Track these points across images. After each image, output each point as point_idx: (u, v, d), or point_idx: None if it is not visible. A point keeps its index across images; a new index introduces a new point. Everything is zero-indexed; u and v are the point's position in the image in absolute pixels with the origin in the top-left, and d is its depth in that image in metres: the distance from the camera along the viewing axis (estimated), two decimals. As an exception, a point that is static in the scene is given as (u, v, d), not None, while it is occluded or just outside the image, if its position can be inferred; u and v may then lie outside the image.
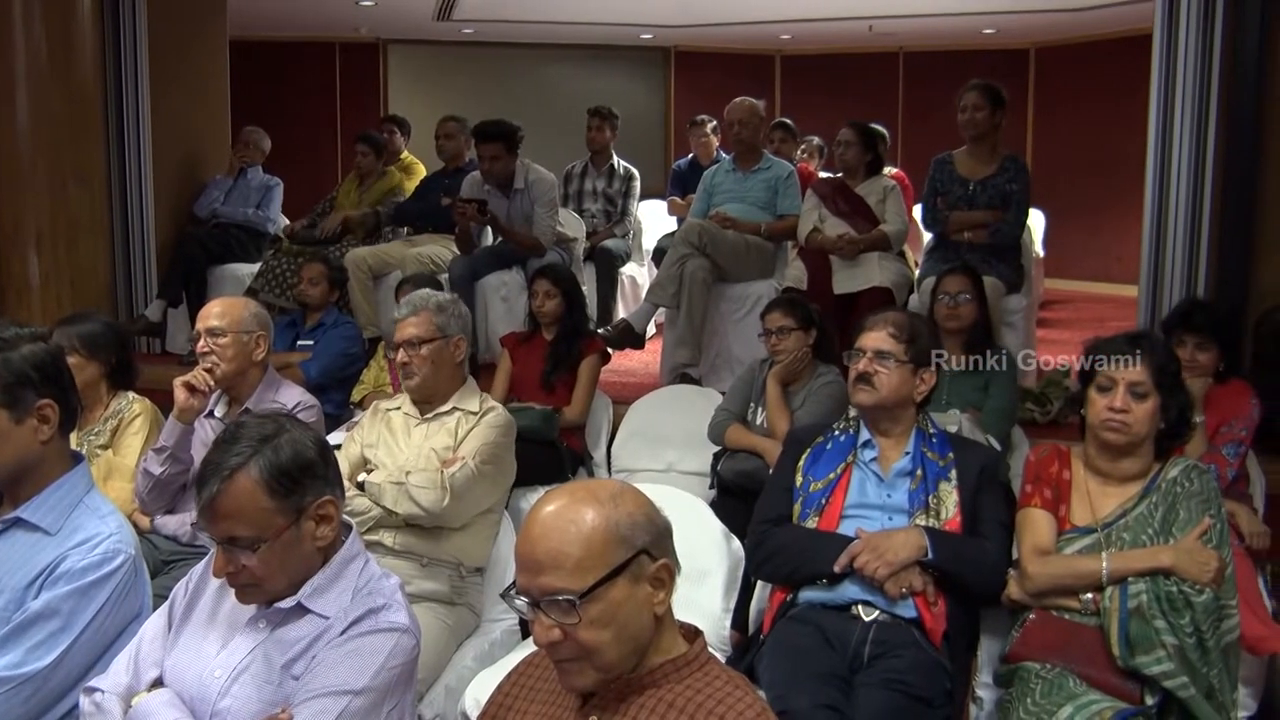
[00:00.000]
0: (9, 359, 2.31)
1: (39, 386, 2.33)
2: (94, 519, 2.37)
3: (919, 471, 2.97)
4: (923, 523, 2.89)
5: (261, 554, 2.03)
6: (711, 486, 4.21)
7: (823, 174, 7.18)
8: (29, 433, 2.33)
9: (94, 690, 2.16)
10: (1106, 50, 10.08)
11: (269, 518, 2.03)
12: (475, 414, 3.49)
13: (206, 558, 2.26)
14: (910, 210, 5.98)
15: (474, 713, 2.85)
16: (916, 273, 5.52)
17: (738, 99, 5.97)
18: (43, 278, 5.87)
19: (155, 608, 2.35)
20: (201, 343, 3.54)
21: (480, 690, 2.90)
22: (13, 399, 2.30)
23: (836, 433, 3.12)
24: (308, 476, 2.09)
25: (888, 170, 6.25)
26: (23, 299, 5.78)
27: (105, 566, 2.30)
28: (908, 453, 3.01)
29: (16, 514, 2.35)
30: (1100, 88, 10.12)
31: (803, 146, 8.06)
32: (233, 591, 2.12)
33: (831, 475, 3.01)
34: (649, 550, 1.73)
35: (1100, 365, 2.87)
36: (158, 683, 2.14)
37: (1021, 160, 5.38)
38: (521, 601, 1.72)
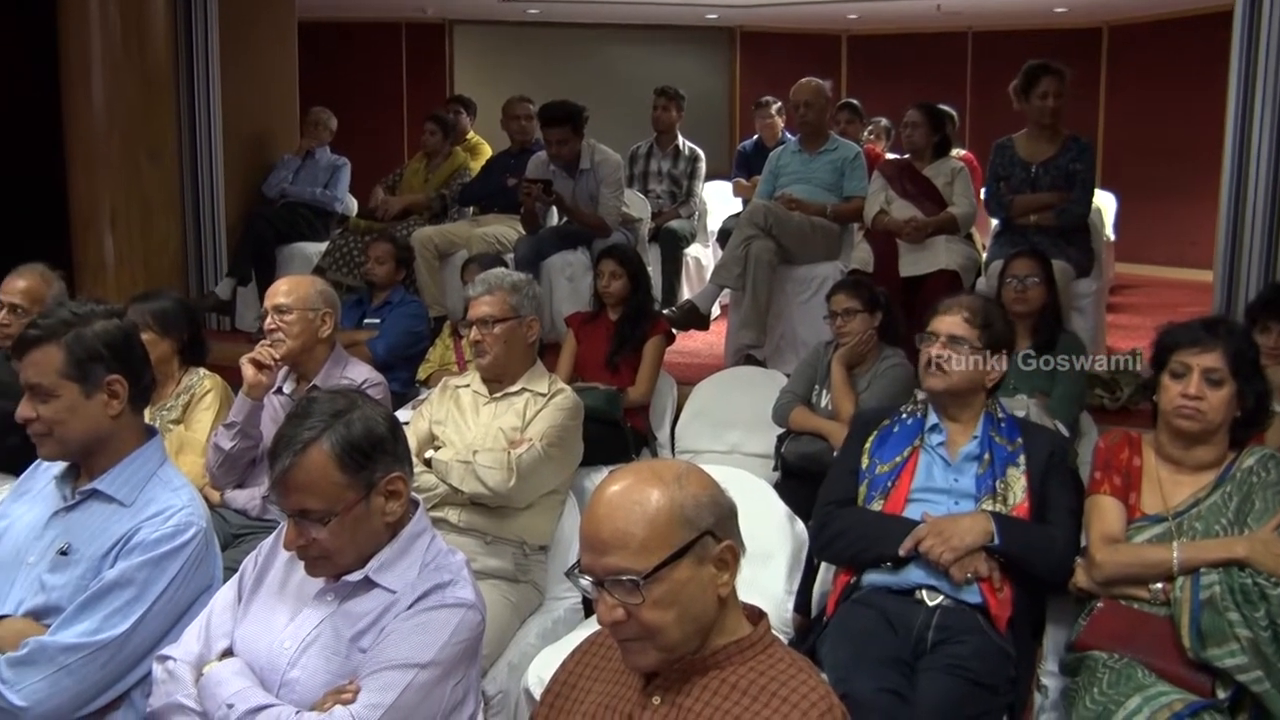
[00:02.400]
0: (81, 335, 2.36)
1: (109, 362, 2.38)
2: (167, 491, 2.42)
3: (987, 456, 2.94)
4: (990, 508, 2.85)
5: (332, 527, 2.06)
6: (775, 469, 4.20)
7: (890, 155, 7.12)
8: (99, 407, 2.38)
9: (166, 658, 2.20)
10: (1183, 28, 9.85)
11: (340, 492, 2.06)
12: (544, 395, 3.50)
13: (276, 531, 2.30)
14: (978, 192, 5.91)
15: (537, 690, 2.87)
16: (984, 256, 5.46)
17: (804, 80, 5.92)
18: (117, 256, 5.97)
19: (225, 580, 2.39)
20: (269, 320, 3.59)
21: (543, 667, 2.92)
22: (83, 374, 2.36)
23: (904, 416, 3.09)
24: (378, 452, 2.11)
25: (956, 152, 6.18)
26: (98, 277, 5.88)
27: (178, 538, 2.35)
28: (976, 437, 2.98)
29: (93, 485, 2.41)
30: (1176, 67, 9.88)
31: (869, 128, 7.99)
32: (301, 565, 2.16)
33: (898, 458, 2.99)
34: (714, 531, 1.73)
35: (1175, 351, 2.81)
36: (228, 652, 2.18)
37: (1084, 139, 5.28)
38: (586, 580, 1.73)
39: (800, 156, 5.84)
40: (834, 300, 4.27)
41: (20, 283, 3.97)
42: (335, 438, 2.07)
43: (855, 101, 7.78)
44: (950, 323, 3.03)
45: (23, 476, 2.60)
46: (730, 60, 11.80)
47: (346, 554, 2.11)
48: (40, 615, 2.34)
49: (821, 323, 4.53)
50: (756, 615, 1.84)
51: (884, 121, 8.13)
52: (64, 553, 2.36)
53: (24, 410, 2.37)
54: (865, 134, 7.78)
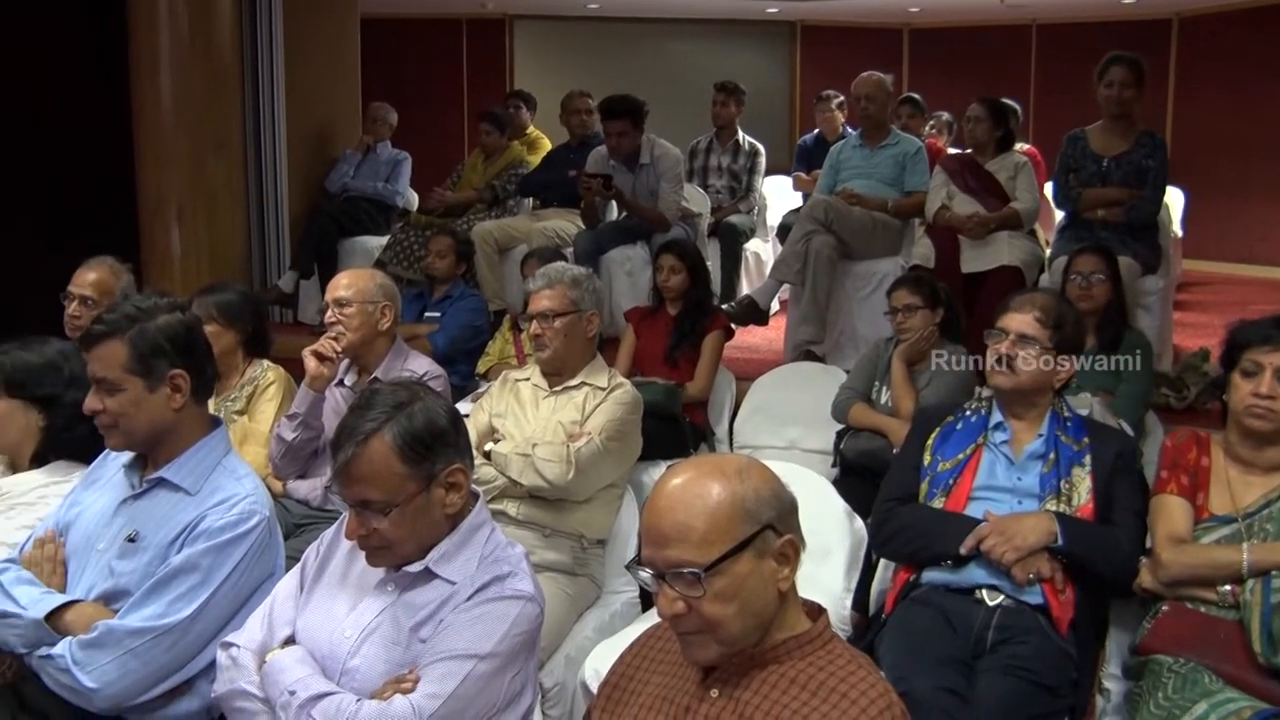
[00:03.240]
0: (145, 330, 2.40)
1: (172, 357, 2.42)
2: (231, 480, 2.46)
3: (1052, 455, 2.90)
4: (1053, 508, 2.82)
5: (393, 518, 2.08)
6: (834, 465, 4.18)
7: (952, 150, 7.05)
8: (162, 400, 2.42)
9: (230, 645, 2.24)
10: (1255, 18, 9.61)
11: (401, 483, 2.08)
12: (603, 389, 3.51)
13: (337, 522, 2.32)
14: (1042, 187, 5.83)
15: (594, 683, 2.88)
16: (1048, 252, 5.39)
17: (865, 73, 5.89)
18: (183, 249, 6.06)
19: (287, 569, 2.42)
20: (330, 313, 3.63)
21: (600, 661, 2.93)
22: (147, 369, 2.40)
23: (967, 413, 3.06)
24: (439, 444, 2.13)
25: (1019, 146, 6.11)
26: (165, 270, 5.97)
27: (241, 526, 2.39)
28: (1041, 435, 2.94)
29: (160, 474, 2.45)
30: (1249, 59, 9.67)
31: (931, 122, 7.92)
32: (362, 555, 2.18)
33: (961, 456, 2.96)
34: (774, 525, 1.73)
35: (1246, 349, 2.76)
36: (290, 640, 2.21)
37: (1159, 135, 5.18)
38: (646, 573, 1.73)
39: (861, 151, 5.80)
40: (895, 296, 4.24)
41: (90, 275, 4.03)
42: (397, 429, 2.09)
43: (917, 96, 7.71)
44: (1021, 321, 2.98)
45: (93, 465, 2.65)
46: (791, 54, 11.74)
47: (407, 545, 2.13)
48: (110, 600, 2.39)
49: (882, 319, 4.50)
50: (816, 611, 1.84)
51: (946, 116, 8.06)
52: (132, 540, 2.41)
53: (91, 402, 2.42)
54: (927, 128, 7.71)
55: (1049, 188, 5.95)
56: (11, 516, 2.74)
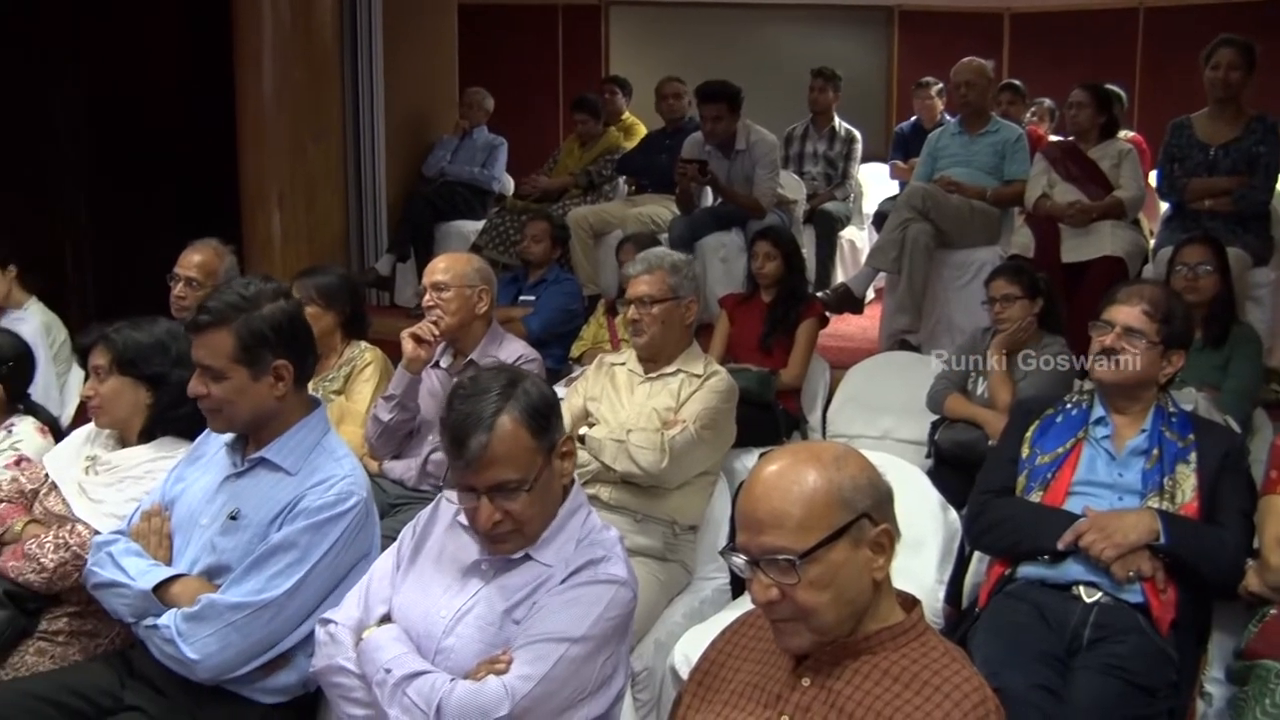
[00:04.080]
0: (250, 320, 2.45)
1: (276, 347, 2.47)
2: (330, 461, 2.51)
3: (1156, 451, 2.82)
4: (1156, 505, 2.75)
5: (529, 496, 2.11)
6: (928, 456, 4.13)
7: (1053, 137, 6.90)
8: (265, 388, 2.48)
9: (328, 622, 2.28)
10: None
11: (532, 457, 2.11)
12: (699, 377, 3.50)
13: (434, 502, 2.36)
14: (1147, 175, 5.68)
15: (683, 668, 2.88)
16: (1152, 242, 5.25)
17: (965, 59, 5.79)
18: (284, 233, 6.17)
19: (383, 549, 2.46)
20: (427, 296, 3.66)
21: (689, 646, 2.93)
22: (252, 358, 2.45)
23: (1068, 405, 2.99)
24: (554, 414, 2.17)
25: (1124, 134, 5.96)
26: (266, 253, 6.09)
27: (340, 506, 2.43)
28: (1145, 431, 2.87)
29: (261, 454, 2.51)
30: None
31: (1032, 109, 7.76)
32: (459, 535, 2.21)
33: (1060, 449, 2.90)
34: (870, 514, 1.72)
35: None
36: (386, 619, 2.24)
37: (1271, 120, 4.97)
38: (740, 559, 1.73)
39: (960, 138, 5.72)
40: (993, 286, 4.16)
41: (196, 257, 4.12)
42: (520, 405, 2.11)
43: (1018, 82, 7.55)
44: (1128, 313, 2.89)
45: (196, 441, 2.73)
46: (888, 40, 11.57)
47: (536, 523, 2.15)
48: (212, 574, 2.46)
49: (979, 308, 4.43)
50: (910, 602, 1.82)
51: (1048, 102, 7.89)
52: (233, 517, 2.47)
53: (195, 386, 2.48)
54: (1028, 115, 7.55)
55: (1154, 176, 5.81)
56: (120, 489, 2.84)
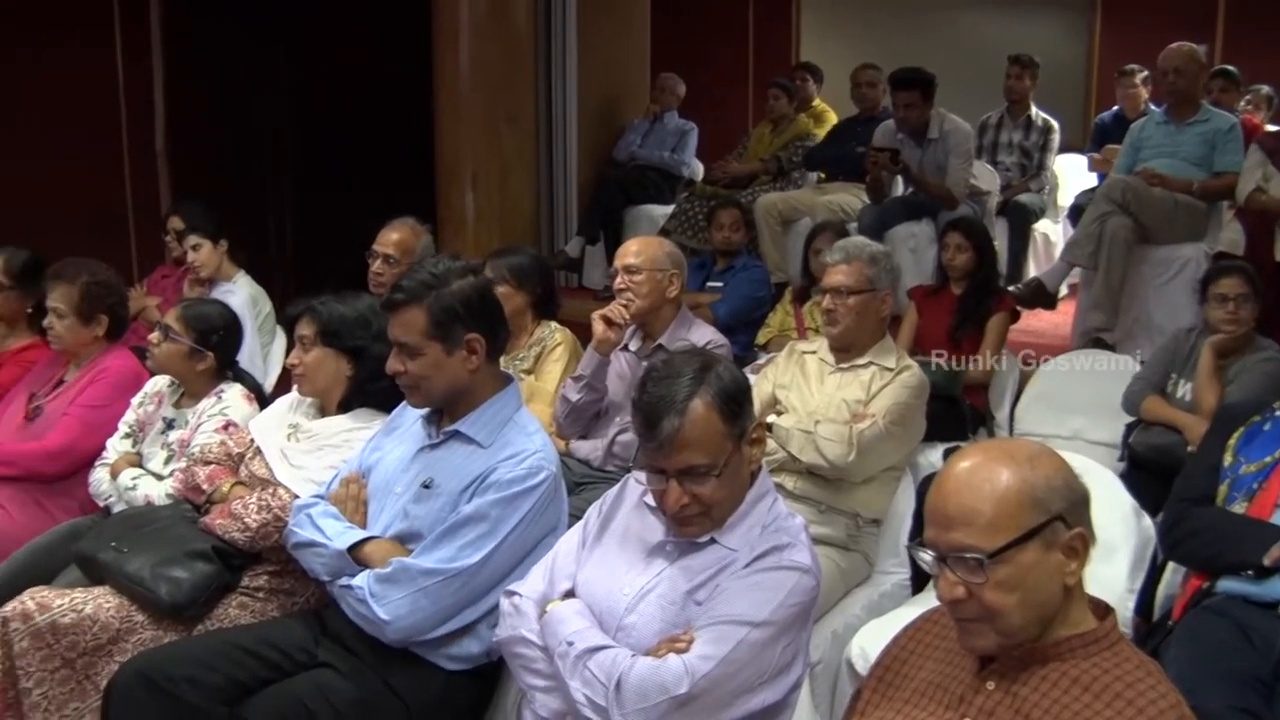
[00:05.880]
0: (441, 296, 2.53)
1: (467, 321, 2.55)
2: (522, 436, 2.57)
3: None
4: (1374, 522, 2.59)
5: (719, 480, 2.12)
6: (1121, 459, 3.99)
7: (1270, 128, 6.55)
8: (459, 363, 2.55)
9: (514, 594, 2.34)
10: None
11: (722, 442, 2.11)
12: (891, 370, 3.45)
13: (620, 482, 2.40)
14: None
15: (859, 662, 2.87)
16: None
17: (1173, 44, 5.52)
18: (476, 213, 6.32)
19: (569, 526, 2.52)
20: (618, 279, 3.70)
21: (867, 640, 2.90)
22: (445, 334, 2.53)
23: (1278, 413, 2.85)
24: (746, 400, 2.17)
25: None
26: (459, 233, 6.26)
27: (530, 480, 2.49)
28: (1364, 440, 2.71)
29: (455, 427, 2.59)
30: None
31: (1247, 97, 7.35)
32: (645, 515, 2.25)
33: (1268, 459, 2.75)
34: (1064, 517, 1.66)
35: None
36: (570, 594, 2.29)
37: None
38: (928, 555, 1.70)
39: (1165, 128, 5.46)
40: (1226, 284, 3.91)
41: (393, 235, 4.25)
42: (713, 390, 2.12)
43: (1231, 68, 7.17)
44: None
45: (393, 414, 2.83)
46: (1090, 25, 11.13)
47: (723, 507, 2.16)
48: (404, 540, 2.56)
49: (1181, 307, 4.27)
50: (1103, 610, 1.76)
51: (1265, 90, 7.47)
52: (427, 486, 2.56)
53: (393, 364, 2.57)
54: (1242, 103, 7.16)
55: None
56: (319, 456, 2.97)
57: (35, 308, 4.09)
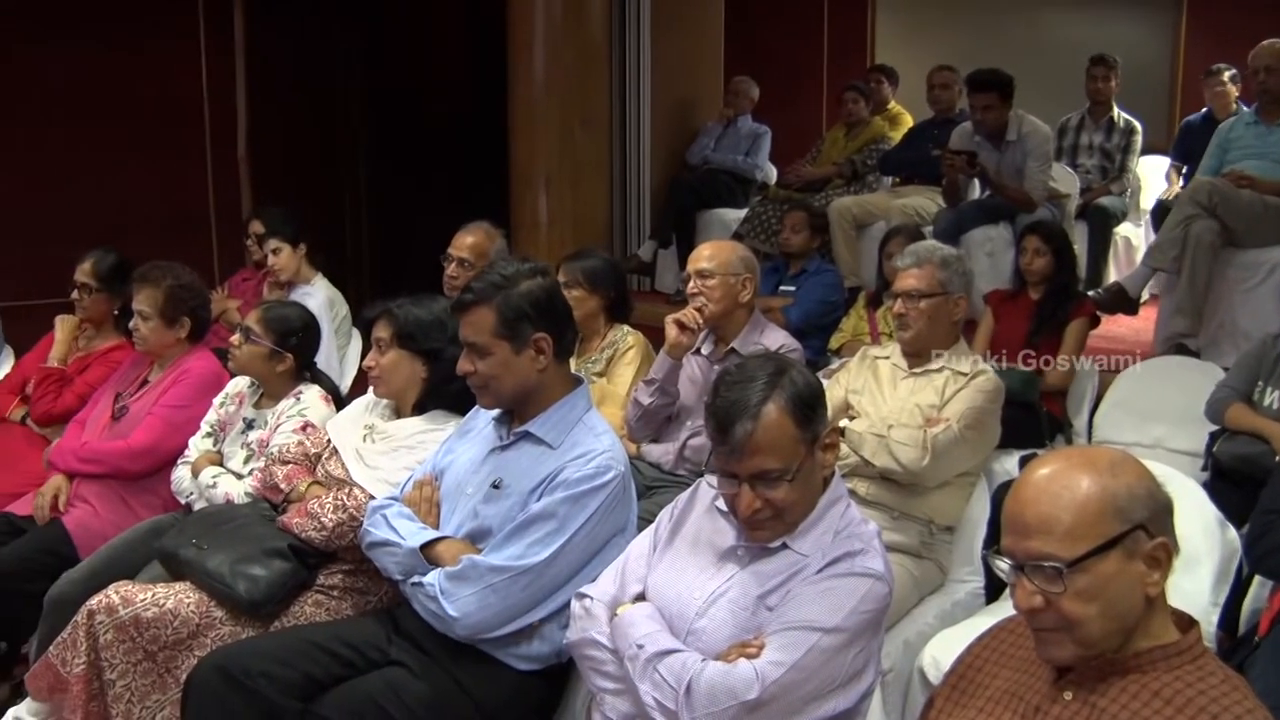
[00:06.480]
0: (509, 296, 2.55)
1: (535, 321, 2.57)
2: (591, 436, 2.59)
3: None
4: None
5: (790, 485, 2.11)
6: (1204, 468, 3.90)
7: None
8: (527, 362, 2.58)
9: (584, 596, 2.35)
10: None
11: (795, 447, 2.11)
12: (965, 375, 3.42)
13: (692, 487, 2.40)
14: None
15: (931, 671, 2.83)
16: None
17: (1266, 42, 5.39)
18: (550, 217, 6.36)
19: (639, 530, 2.52)
20: (692, 283, 3.70)
21: (939, 649, 2.87)
22: (513, 332, 2.55)
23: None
24: (820, 406, 2.17)
25: None
26: (532, 236, 6.30)
27: (598, 479, 2.50)
28: None
29: (525, 428, 2.61)
30: None
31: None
32: (716, 520, 2.24)
33: (1361, 471, 2.69)
34: (1147, 526, 1.63)
35: None
36: (640, 597, 2.29)
37: None
38: (1005, 563, 1.68)
39: (1255, 129, 5.33)
40: None
41: (468, 239, 4.29)
42: (786, 394, 2.11)
43: (1327, 66, 7.00)
44: None
45: (467, 417, 2.87)
46: (1175, 23, 10.90)
47: (795, 512, 2.16)
48: (475, 539, 2.58)
49: (1267, 313, 4.17)
50: (1187, 623, 1.72)
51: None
52: (496, 486, 2.59)
53: (464, 365, 2.60)
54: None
55: None
56: (394, 457, 3.01)
57: (121, 309, 4.19)
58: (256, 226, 5.52)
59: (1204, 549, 3.08)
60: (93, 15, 6.77)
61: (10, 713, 3.10)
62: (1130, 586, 1.63)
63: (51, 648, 2.88)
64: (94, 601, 2.82)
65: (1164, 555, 1.64)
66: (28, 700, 3.04)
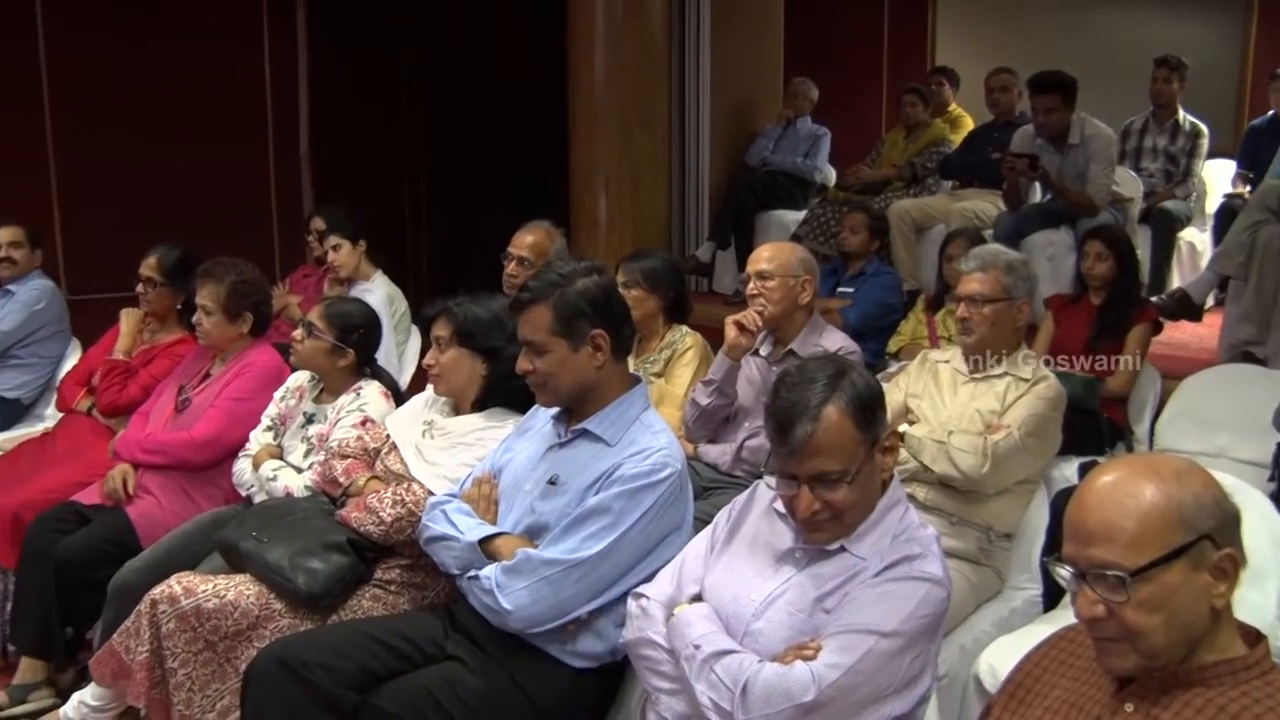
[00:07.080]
0: (565, 294, 2.57)
1: (592, 318, 2.58)
2: (648, 434, 2.60)
3: None
4: None
5: (850, 487, 2.11)
6: (1270, 479, 3.83)
7: None
8: (585, 359, 2.59)
9: (641, 596, 2.36)
10: None
11: (855, 449, 2.11)
12: (1027, 381, 3.38)
13: (750, 489, 2.40)
14: None
15: (987, 679, 2.81)
16: None
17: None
18: (609, 217, 6.39)
19: (696, 530, 2.53)
20: (751, 285, 3.69)
21: (996, 656, 2.85)
22: (570, 330, 2.57)
23: None
24: (880, 408, 2.17)
25: None
26: (591, 236, 6.33)
27: (654, 476, 2.51)
28: None
29: (583, 426, 2.63)
30: None
31: None
32: (774, 521, 2.24)
33: None
34: (1213, 536, 1.60)
35: None
36: (697, 597, 2.30)
37: None
38: (1066, 571, 1.66)
39: (1323, 133, 5.26)
40: None
41: (528, 238, 4.32)
42: (846, 396, 2.11)
43: (1397, 69, 6.86)
44: None
45: (526, 415, 2.89)
46: (1244, 24, 10.70)
47: (854, 514, 2.16)
48: (532, 534, 2.60)
49: (1339, 322, 4.07)
50: (1254, 637, 1.69)
51: None
52: (553, 482, 2.61)
53: (522, 364, 2.63)
54: None
55: None
56: (453, 454, 3.03)
57: (185, 303, 4.26)
58: (318, 223, 5.59)
59: (1271, 562, 3.02)
60: (159, 11, 6.88)
61: (75, 697, 3.17)
62: (1195, 598, 1.60)
63: (115, 635, 2.94)
64: (157, 591, 2.87)
65: (1231, 567, 1.61)
66: (92, 685, 3.10)
